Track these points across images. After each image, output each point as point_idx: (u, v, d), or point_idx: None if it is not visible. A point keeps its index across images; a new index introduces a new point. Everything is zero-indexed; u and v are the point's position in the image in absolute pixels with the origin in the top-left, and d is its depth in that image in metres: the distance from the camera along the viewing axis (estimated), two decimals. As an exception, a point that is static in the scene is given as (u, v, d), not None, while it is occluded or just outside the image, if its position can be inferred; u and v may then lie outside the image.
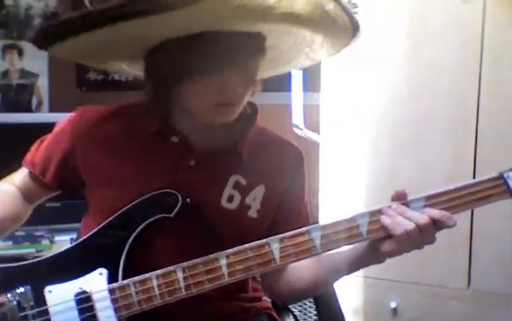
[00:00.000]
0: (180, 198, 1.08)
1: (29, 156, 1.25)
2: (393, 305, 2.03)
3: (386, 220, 1.01)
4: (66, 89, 2.48)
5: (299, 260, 1.03)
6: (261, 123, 1.22)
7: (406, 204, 1.03)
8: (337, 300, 1.43)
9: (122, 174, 1.13)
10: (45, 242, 2.09)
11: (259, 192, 1.16)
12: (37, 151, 1.24)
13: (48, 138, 1.23)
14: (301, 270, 1.16)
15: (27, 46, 2.44)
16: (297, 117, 2.43)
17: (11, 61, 2.45)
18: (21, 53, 2.45)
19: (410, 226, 0.99)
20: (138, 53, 1.09)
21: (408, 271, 1.99)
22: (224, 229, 1.11)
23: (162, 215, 1.08)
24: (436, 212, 1.00)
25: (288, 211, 1.19)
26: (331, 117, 2.11)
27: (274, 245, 1.02)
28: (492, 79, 1.85)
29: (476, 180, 1.03)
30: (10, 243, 2.02)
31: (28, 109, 2.47)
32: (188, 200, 1.08)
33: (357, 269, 1.10)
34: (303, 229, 1.03)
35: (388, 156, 2.00)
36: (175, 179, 1.10)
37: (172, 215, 1.08)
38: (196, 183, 1.11)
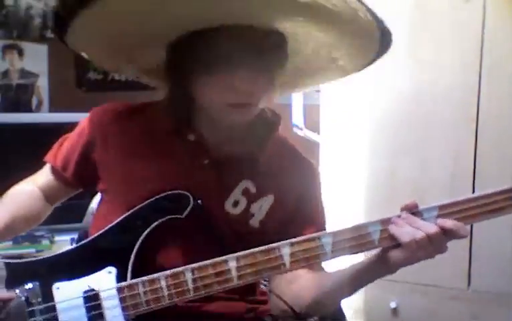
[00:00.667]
0: (191, 199, 1.08)
1: (51, 152, 1.27)
2: (393, 305, 2.02)
3: (393, 228, 1.00)
4: (66, 90, 2.48)
5: (309, 265, 1.03)
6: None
7: (419, 213, 1.02)
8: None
9: (137, 171, 1.13)
10: (45, 242, 2.09)
11: (266, 201, 1.15)
12: (59, 148, 1.26)
13: (70, 135, 1.25)
14: (303, 291, 1.15)
15: (27, 46, 2.44)
16: (297, 117, 2.42)
17: (11, 61, 2.45)
18: (21, 53, 2.45)
19: (419, 235, 0.98)
20: (157, 49, 1.07)
21: (408, 271, 1.98)
22: (228, 233, 1.11)
23: (173, 216, 1.08)
24: (448, 223, 0.99)
25: (298, 228, 1.16)
26: (331, 117, 2.11)
27: (284, 249, 1.01)
28: (492, 79, 1.85)
29: (490, 191, 1.01)
30: (10, 243, 2.02)
31: (28, 109, 2.46)
32: (199, 201, 1.08)
33: (367, 282, 1.10)
34: (314, 234, 1.02)
35: (387, 156, 2.00)
36: (188, 178, 1.11)
37: (183, 216, 1.08)
38: (206, 182, 1.11)
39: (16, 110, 2.44)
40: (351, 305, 2.05)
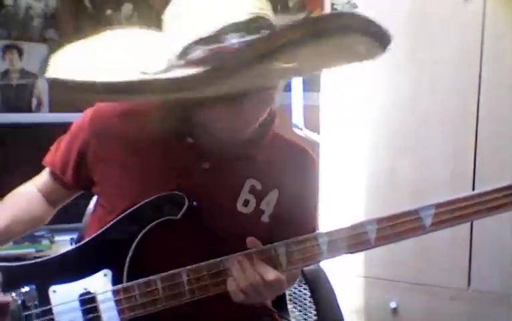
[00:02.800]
0: (186, 200, 1.08)
1: (48, 156, 1.26)
2: (393, 305, 2.02)
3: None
4: (66, 89, 2.47)
5: (305, 266, 1.03)
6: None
7: (416, 211, 1.02)
8: (336, 301, 1.43)
9: (133, 173, 1.13)
10: (45, 242, 2.09)
11: (272, 196, 1.15)
12: (57, 151, 1.24)
13: (65, 136, 1.24)
14: None
15: (27, 46, 2.44)
16: (297, 117, 2.42)
17: (11, 61, 2.45)
18: (21, 53, 2.45)
19: (242, 283, 1.00)
20: None
21: (408, 271, 1.99)
22: (234, 233, 1.11)
23: (168, 217, 1.08)
24: (270, 275, 1.00)
25: (298, 220, 1.18)
26: (331, 117, 2.11)
27: (280, 250, 1.02)
28: (492, 79, 1.85)
29: (488, 188, 1.01)
30: (10, 242, 2.02)
31: (28, 109, 2.46)
32: (194, 203, 1.08)
33: None
34: (311, 234, 1.03)
35: (387, 156, 2.00)
36: (187, 181, 1.10)
37: (178, 217, 1.08)
38: (210, 186, 1.11)
39: (16, 110, 2.44)
40: (351, 305, 2.05)
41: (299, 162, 1.20)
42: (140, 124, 1.15)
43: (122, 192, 1.12)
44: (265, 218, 1.15)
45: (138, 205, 1.08)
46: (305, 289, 2.07)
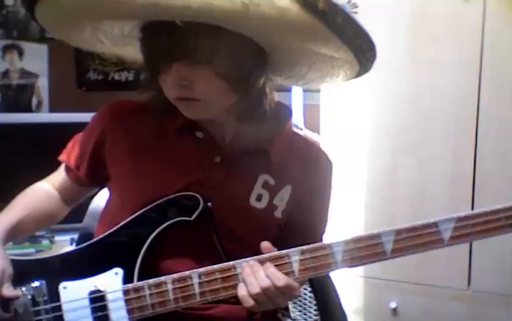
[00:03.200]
0: (201, 201, 1.07)
1: (65, 152, 1.27)
2: (393, 305, 2.02)
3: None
4: (66, 89, 2.47)
5: (317, 274, 1.02)
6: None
7: (435, 224, 0.99)
8: (339, 300, 1.43)
9: (147, 169, 1.13)
10: (45, 242, 2.09)
11: (285, 192, 1.15)
12: (73, 146, 1.25)
13: (82, 133, 1.25)
14: None
15: (27, 46, 2.44)
16: (297, 117, 2.42)
17: (11, 61, 2.45)
18: (21, 53, 2.45)
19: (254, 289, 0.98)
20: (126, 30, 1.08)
21: (408, 271, 1.99)
22: (247, 229, 1.11)
23: (182, 218, 1.07)
24: (281, 281, 0.98)
25: (309, 218, 1.17)
26: (331, 117, 2.11)
27: (294, 257, 1.00)
28: (492, 79, 1.85)
29: (509, 204, 0.98)
30: (10, 243, 2.01)
31: (28, 109, 2.46)
32: (209, 204, 1.07)
33: None
34: (326, 243, 1.00)
35: (388, 156, 2.00)
36: (199, 176, 1.10)
37: (192, 218, 1.07)
38: (223, 180, 1.10)
39: (16, 110, 2.44)
40: (351, 305, 2.05)
41: (314, 160, 1.20)
42: (153, 121, 1.16)
43: (137, 188, 1.12)
44: (278, 213, 1.14)
45: (152, 205, 1.08)
46: (305, 288, 2.07)
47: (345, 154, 2.07)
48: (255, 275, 0.98)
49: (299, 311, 2.23)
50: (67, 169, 1.26)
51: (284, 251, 1.00)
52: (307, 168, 1.18)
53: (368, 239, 0.99)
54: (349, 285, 2.04)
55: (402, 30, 1.93)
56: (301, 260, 1.00)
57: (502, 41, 1.83)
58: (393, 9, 1.94)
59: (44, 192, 1.26)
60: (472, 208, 1.84)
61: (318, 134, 2.19)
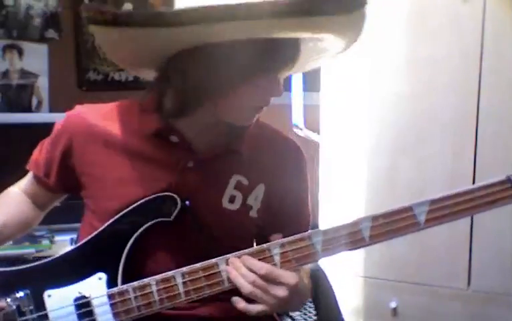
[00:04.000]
0: (179, 201, 1.07)
1: (32, 159, 1.25)
2: (393, 305, 2.02)
3: (231, 274, 1.00)
4: (66, 89, 2.47)
5: (300, 265, 1.02)
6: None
7: (410, 208, 1.01)
8: (336, 301, 1.43)
9: (119, 174, 1.12)
10: (45, 242, 2.09)
11: (259, 191, 1.15)
12: (40, 153, 1.23)
13: (48, 139, 1.23)
14: None
15: (27, 46, 2.44)
16: (297, 117, 2.42)
17: (11, 61, 2.44)
18: (21, 53, 2.44)
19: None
20: (163, 56, 1.05)
21: (408, 271, 1.99)
22: (223, 230, 1.11)
23: (161, 219, 1.07)
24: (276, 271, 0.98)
25: (288, 213, 1.18)
26: (331, 117, 2.11)
27: (274, 250, 1.01)
28: (492, 79, 1.85)
29: (482, 183, 1.01)
30: (10, 242, 2.02)
31: (28, 109, 2.46)
32: (187, 202, 1.08)
33: None
34: (305, 233, 1.01)
35: (387, 156, 2.00)
36: (173, 180, 1.10)
37: (171, 218, 1.07)
38: (196, 184, 1.10)
39: (16, 110, 2.44)
40: (350, 305, 2.05)
41: (285, 155, 1.20)
42: (123, 125, 1.14)
43: (110, 194, 1.11)
44: (253, 213, 1.14)
45: (130, 207, 1.08)
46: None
47: (345, 154, 2.07)
48: (241, 273, 0.99)
49: (299, 311, 2.23)
50: (36, 178, 1.24)
51: (264, 245, 1.01)
52: (279, 164, 1.18)
53: (347, 227, 1.01)
54: (348, 285, 2.04)
55: (402, 30, 1.93)
56: (282, 253, 1.01)
57: (503, 41, 1.83)
58: (392, 9, 1.94)
59: (17, 199, 1.25)
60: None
61: (318, 134, 2.19)
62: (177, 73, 1.04)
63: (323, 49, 1.10)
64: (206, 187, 1.11)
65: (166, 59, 1.04)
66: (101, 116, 1.16)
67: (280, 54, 1.02)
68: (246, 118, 1.10)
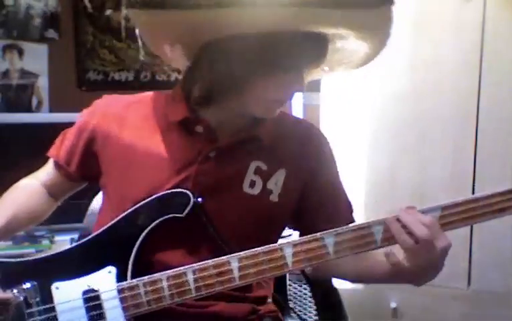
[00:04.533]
0: (191, 198, 1.07)
1: (54, 147, 1.26)
2: (393, 305, 2.03)
3: (406, 218, 0.99)
4: (66, 89, 2.47)
5: (311, 265, 1.03)
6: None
7: (421, 212, 1.00)
8: (339, 299, 1.43)
9: (142, 161, 1.12)
10: (45, 242, 2.09)
11: (279, 176, 1.15)
12: (62, 143, 1.24)
13: (72, 128, 1.24)
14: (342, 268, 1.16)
15: (27, 46, 2.44)
16: (297, 115, 2.42)
17: (11, 61, 2.44)
18: (21, 53, 2.44)
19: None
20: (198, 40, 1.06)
21: (408, 271, 1.99)
22: (245, 214, 1.11)
23: (173, 215, 1.07)
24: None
25: (319, 198, 1.18)
26: (331, 117, 2.11)
27: (287, 249, 1.01)
28: (492, 79, 1.85)
29: (492, 192, 1.01)
30: (10, 242, 2.02)
31: (28, 109, 2.46)
32: (200, 199, 1.08)
33: (396, 281, 1.09)
34: (317, 234, 1.01)
35: (387, 156, 2.00)
36: (193, 171, 1.10)
37: (183, 214, 1.07)
38: (217, 172, 1.11)
39: (16, 110, 2.44)
40: (351, 305, 2.05)
41: (306, 140, 1.20)
42: (148, 114, 1.16)
43: (130, 181, 1.12)
44: (273, 197, 1.14)
45: (142, 202, 1.08)
46: (305, 289, 2.07)
47: (345, 154, 2.07)
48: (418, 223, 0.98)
49: (299, 311, 2.23)
50: (56, 165, 1.25)
51: (277, 244, 1.02)
52: (299, 149, 1.18)
53: (359, 229, 1.01)
54: (349, 284, 2.04)
55: (403, 30, 1.93)
56: (294, 252, 1.01)
57: (502, 41, 1.83)
58: (394, 10, 1.94)
59: (31, 189, 1.26)
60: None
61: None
62: (205, 62, 1.06)
63: (351, 53, 1.11)
64: (227, 173, 1.12)
65: (198, 49, 1.07)
66: (127, 104, 1.18)
67: (302, 51, 1.02)
68: (267, 111, 1.11)
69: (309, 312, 2.26)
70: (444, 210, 1.01)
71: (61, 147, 1.24)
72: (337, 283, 1.52)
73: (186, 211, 1.07)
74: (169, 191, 1.08)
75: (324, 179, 1.21)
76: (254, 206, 1.12)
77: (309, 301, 2.20)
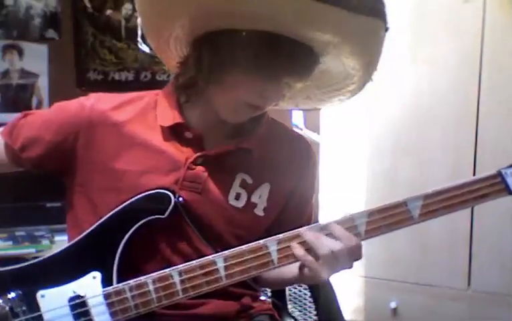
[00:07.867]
0: (172, 198, 1.06)
1: (8, 128, 1.18)
2: (393, 305, 2.03)
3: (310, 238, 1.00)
4: (66, 89, 2.47)
5: (296, 261, 1.02)
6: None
7: (404, 203, 1.02)
8: (336, 301, 1.43)
9: (128, 165, 1.10)
10: (45, 242, 2.09)
11: (264, 190, 1.14)
12: (23, 126, 1.17)
13: (45, 115, 1.19)
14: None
15: (27, 46, 2.43)
16: (297, 117, 2.42)
17: (11, 61, 2.44)
18: (21, 53, 2.44)
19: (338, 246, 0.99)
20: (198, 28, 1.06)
21: (408, 271, 2.00)
22: (228, 227, 1.11)
23: (155, 216, 1.06)
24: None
25: (291, 210, 1.18)
26: (331, 117, 2.11)
27: (272, 246, 1.01)
28: (492, 79, 1.85)
29: (474, 178, 1.02)
30: (10, 243, 2.01)
31: (28, 109, 2.45)
32: (180, 199, 1.07)
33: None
34: (301, 230, 1.01)
35: (388, 156, 2.00)
36: (181, 176, 1.09)
37: (165, 215, 1.06)
38: (203, 180, 1.10)
39: (16, 110, 2.43)
40: (351, 305, 2.05)
41: (294, 154, 1.19)
42: (137, 117, 1.13)
43: (115, 185, 1.10)
44: (258, 211, 1.14)
45: (123, 205, 1.06)
46: (305, 289, 2.07)
47: (345, 154, 2.07)
48: (321, 240, 0.99)
49: (299, 311, 2.23)
50: (7, 146, 1.17)
51: (261, 241, 1.01)
52: (287, 163, 1.18)
53: (342, 222, 1.01)
54: (349, 285, 2.04)
55: (402, 30, 1.93)
56: (279, 249, 1.01)
57: (502, 41, 1.83)
58: (393, 9, 1.93)
59: None
60: (473, 207, 1.85)
61: (318, 134, 2.19)
62: (194, 56, 1.07)
63: (338, 76, 1.11)
64: (214, 183, 1.11)
65: (191, 44, 1.08)
66: (118, 104, 1.15)
67: (281, 56, 1.01)
68: (236, 113, 1.08)
69: (309, 312, 2.26)
70: (425, 199, 1.01)
71: (21, 130, 1.16)
72: (338, 283, 1.52)
73: (168, 212, 1.06)
74: (149, 192, 1.06)
75: (301, 199, 1.21)
76: (239, 219, 1.12)
77: (309, 302, 2.20)
